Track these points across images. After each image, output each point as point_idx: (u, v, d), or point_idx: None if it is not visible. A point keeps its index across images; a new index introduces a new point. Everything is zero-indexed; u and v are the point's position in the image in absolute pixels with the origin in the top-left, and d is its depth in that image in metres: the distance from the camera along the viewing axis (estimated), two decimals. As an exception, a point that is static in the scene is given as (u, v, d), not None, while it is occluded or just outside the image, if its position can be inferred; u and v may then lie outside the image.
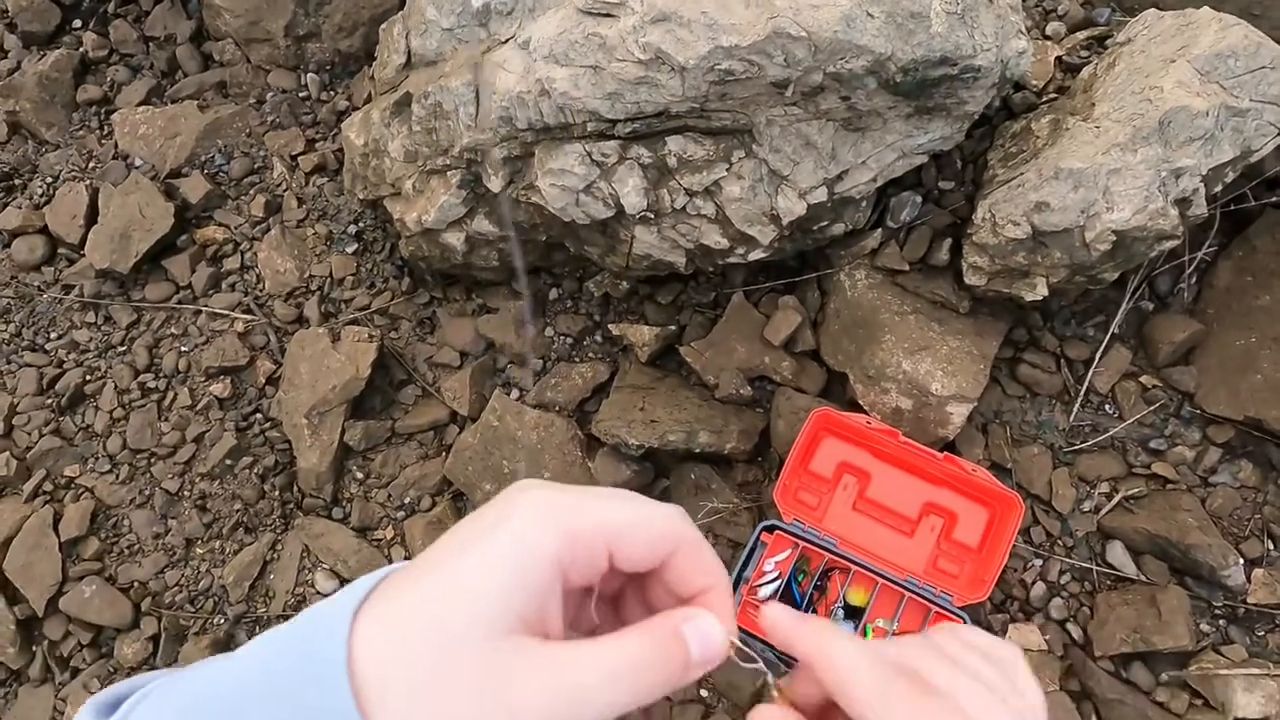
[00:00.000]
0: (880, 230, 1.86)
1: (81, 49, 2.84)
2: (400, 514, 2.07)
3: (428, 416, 2.15)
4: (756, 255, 1.83)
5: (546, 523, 0.35)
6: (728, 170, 1.69)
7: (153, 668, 1.99)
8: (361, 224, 2.45)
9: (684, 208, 1.75)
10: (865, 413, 1.78)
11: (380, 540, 2.05)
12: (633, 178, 1.73)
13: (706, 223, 1.77)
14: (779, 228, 1.76)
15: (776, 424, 1.87)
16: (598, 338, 2.17)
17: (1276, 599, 1.61)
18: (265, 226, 2.46)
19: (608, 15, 1.59)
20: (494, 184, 1.92)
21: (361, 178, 2.22)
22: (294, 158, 2.56)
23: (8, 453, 2.21)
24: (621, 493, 0.39)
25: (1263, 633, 1.65)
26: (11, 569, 2.04)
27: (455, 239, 2.09)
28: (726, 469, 1.92)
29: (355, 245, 2.42)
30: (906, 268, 1.83)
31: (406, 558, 2.00)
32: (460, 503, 2.06)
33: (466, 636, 0.32)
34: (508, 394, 2.12)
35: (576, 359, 2.15)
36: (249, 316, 2.35)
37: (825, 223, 1.80)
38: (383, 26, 2.20)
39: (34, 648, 2.04)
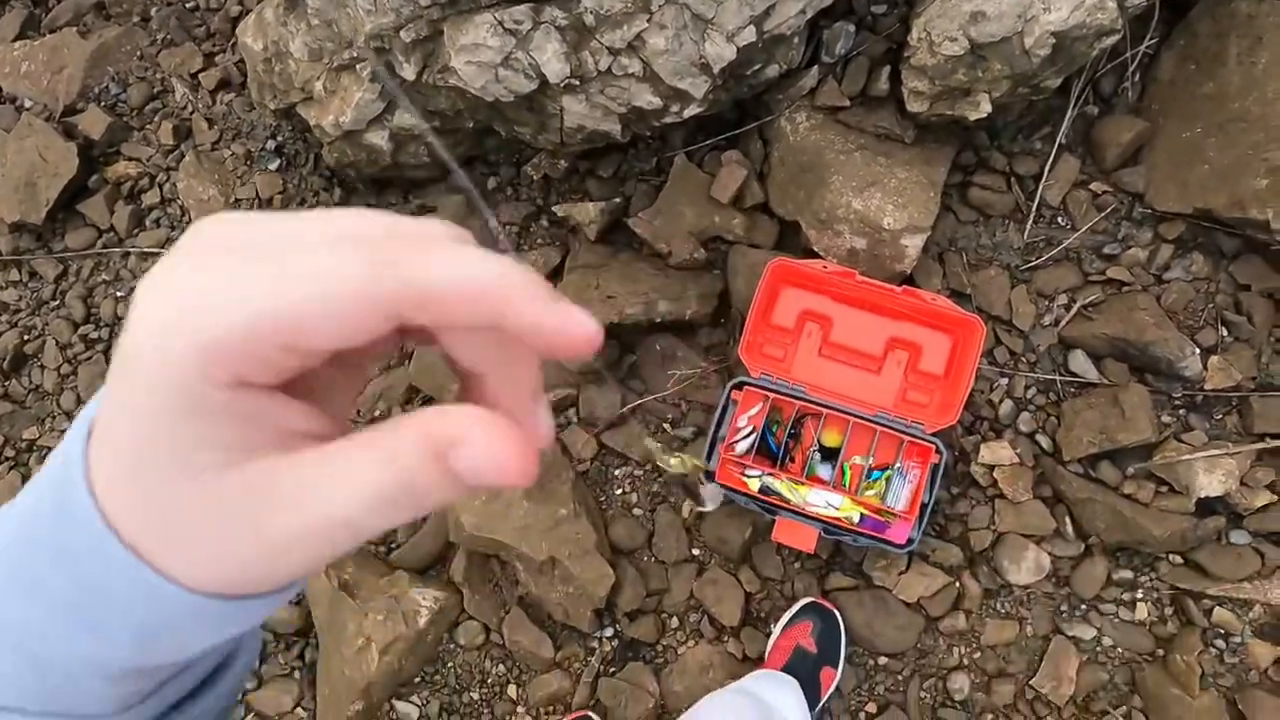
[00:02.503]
0: (816, 67, 1.79)
1: (-63, -14, 2.59)
2: (373, 427, 2.05)
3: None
4: (692, 110, 1.76)
5: (175, 350, 0.23)
6: (649, 21, 1.59)
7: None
8: (280, 138, 2.33)
9: (609, 69, 1.66)
10: (820, 258, 1.76)
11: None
12: (550, 43, 1.63)
13: (635, 82, 1.69)
14: (711, 77, 1.68)
15: (735, 283, 1.85)
16: (544, 222, 2.11)
17: (1232, 381, 1.66)
18: (179, 154, 2.33)
19: None
20: (407, 71, 1.81)
21: (269, 86, 2.09)
22: (194, 76, 2.39)
23: (-40, 424, 2.16)
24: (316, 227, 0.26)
25: (1220, 415, 1.70)
26: None
27: (379, 138, 1.99)
28: (690, 335, 1.91)
29: (278, 161, 2.31)
30: (847, 103, 1.77)
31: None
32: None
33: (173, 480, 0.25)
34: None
35: (525, 247, 2.09)
36: (180, 251, 2.25)
37: (758, 65, 1.72)
38: (259, -87, 2.02)
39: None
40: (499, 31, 1.62)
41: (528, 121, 1.88)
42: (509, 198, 2.13)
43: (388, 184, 2.22)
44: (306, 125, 2.12)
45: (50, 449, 2.13)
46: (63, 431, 2.14)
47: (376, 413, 2.07)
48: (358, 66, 1.87)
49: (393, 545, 1.95)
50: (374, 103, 1.91)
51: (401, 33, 1.73)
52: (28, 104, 2.45)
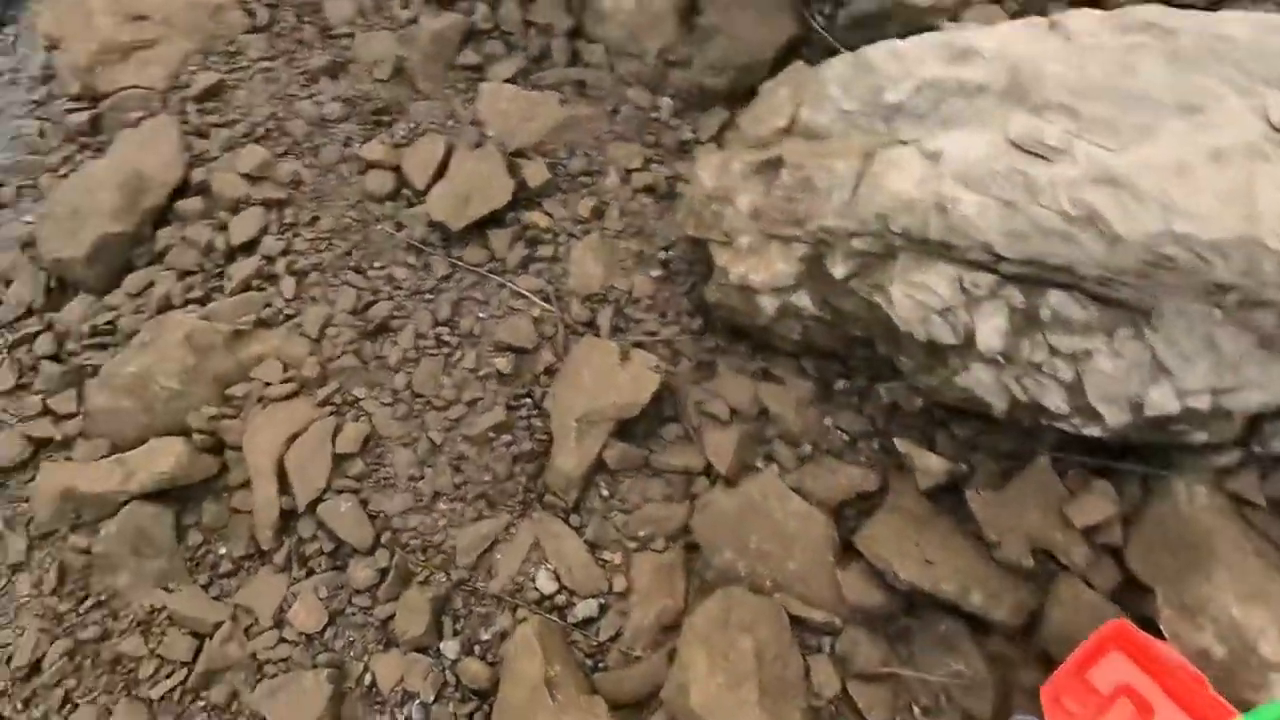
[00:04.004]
0: (1241, 451, 1.68)
1: (472, 18, 3.10)
2: (632, 544, 2.10)
3: (683, 460, 2.17)
4: (1092, 431, 1.70)
5: None
6: (1106, 344, 1.58)
7: (374, 598, 2.13)
8: (672, 253, 2.52)
9: (1040, 364, 1.65)
10: (1163, 638, 1.61)
11: (607, 562, 2.09)
12: (997, 318, 1.65)
13: (1056, 384, 1.67)
14: (1135, 416, 1.62)
15: (1052, 611, 1.73)
16: (875, 444, 2.11)
17: None
18: (586, 228, 2.58)
19: (1042, 158, 1.53)
20: (837, 270, 1.90)
21: (696, 215, 2.28)
22: (629, 171, 2.67)
23: (315, 357, 2.44)
24: None
25: None
26: (290, 463, 2.25)
27: (769, 303, 2.10)
28: (983, 634, 1.80)
29: (660, 271, 2.49)
30: (1262, 503, 1.64)
31: (626, 589, 2.03)
32: (693, 555, 2.06)
33: None
34: (767, 467, 2.10)
35: (847, 458, 2.10)
36: (546, 305, 2.47)
37: (1186, 427, 1.65)
38: (766, 84, 2.25)
39: (284, 538, 2.23)
40: (955, 286, 1.67)
41: (917, 357, 1.90)
42: (852, 406, 2.15)
43: (744, 336, 2.33)
44: (707, 259, 2.28)
45: (368, 415, 2.35)
46: (385, 404, 2.37)
47: (641, 533, 2.11)
48: (793, 245, 2.00)
49: (601, 664, 1.95)
50: (788, 277, 2.02)
51: (854, 239, 1.84)
52: (490, 133, 2.83)
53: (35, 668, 2.17)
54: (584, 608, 2.02)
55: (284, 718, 1.99)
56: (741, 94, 2.70)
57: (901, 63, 1.80)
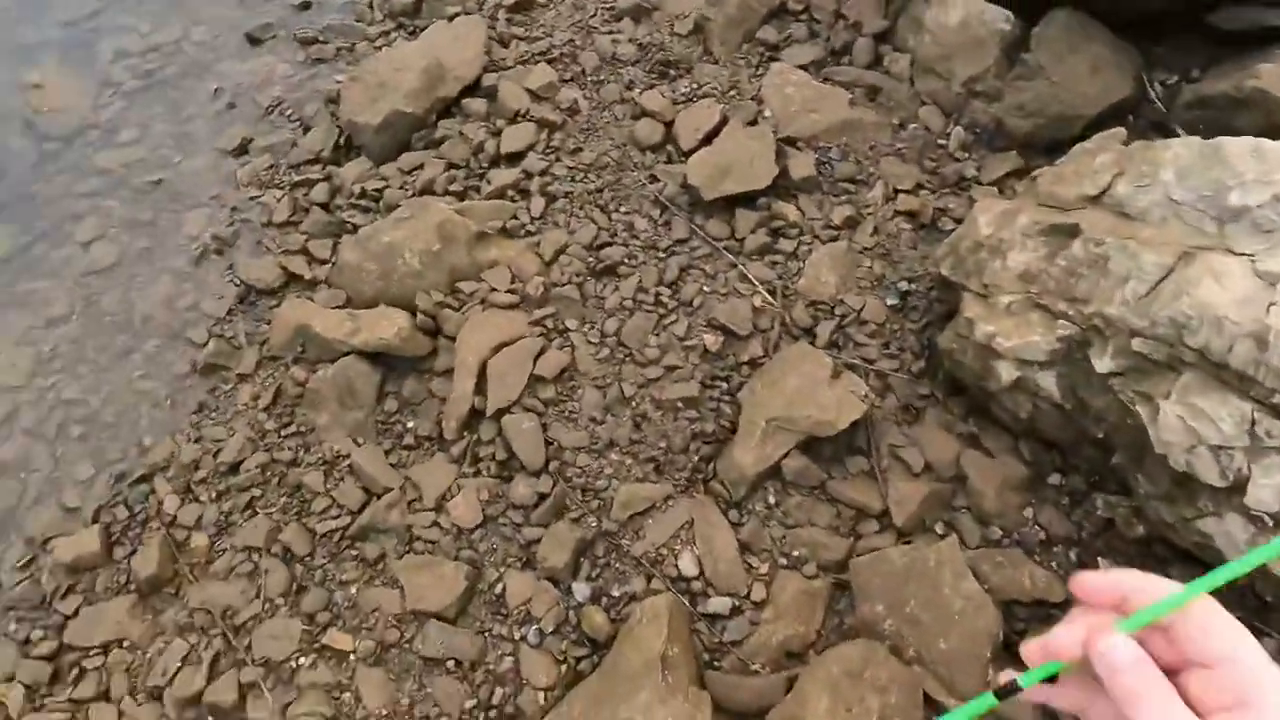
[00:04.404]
0: None
1: (785, -4, 3.05)
2: (783, 560, 2.05)
3: (860, 496, 2.08)
4: (1350, 637, 1.47)
5: None
6: None
7: (527, 518, 2.21)
8: (915, 286, 2.40)
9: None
10: None
11: (753, 568, 2.05)
12: (1281, 475, 1.45)
13: (1326, 571, 1.45)
14: None
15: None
16: (1073, 554, 1.93)
17: None
18: (835, 235, 2.51)
19: None
20: (1101, 364, 1.73)
21: (957, 257, 2.15)
22: (897, 191, 2.56)
23: (541, 278, 2.54)
24: None
25: None
26: (492, 368, 2.36)
27: (1008, 372, 1.95)
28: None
29: (896, 300, 2.38)
30: None
31: (763, 601, 1.99)
32: (840, 595, 1.99)
33: None
34: (946, 535, 1.98)
35: (1037, 558, 1.94)
36: (770, 299, 2.43)
37: None
38: (1084, 144, 2.07)
39: (466, 434, 2.36)
40: (1243, 426, 1.48)
41: (1161, 484, 1.71)
42: (1061, 506, 1.98)
43: (964, 394, 2.19)
44: (954, 306, 2.15)
45: (572, 347, 2.42)
46: (590, 343, 2.43)
47: (795, 553, 2.06)
48: (1059, 321, 1.84)
49: (717, 663, 1.93)
50: (1040, 352, 1.87)
51: (1135, 339, 1.66)
52: (767, 113, 2.79)
53: (234, 468, 2.43)
54: (717, 603, 2.00)
55: (419, 592, 2.12)
56: (1043, 144, 2.51)
57: (1263, 164, 1.59)
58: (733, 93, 2.92)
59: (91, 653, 2.18)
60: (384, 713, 2.01)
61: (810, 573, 2.02)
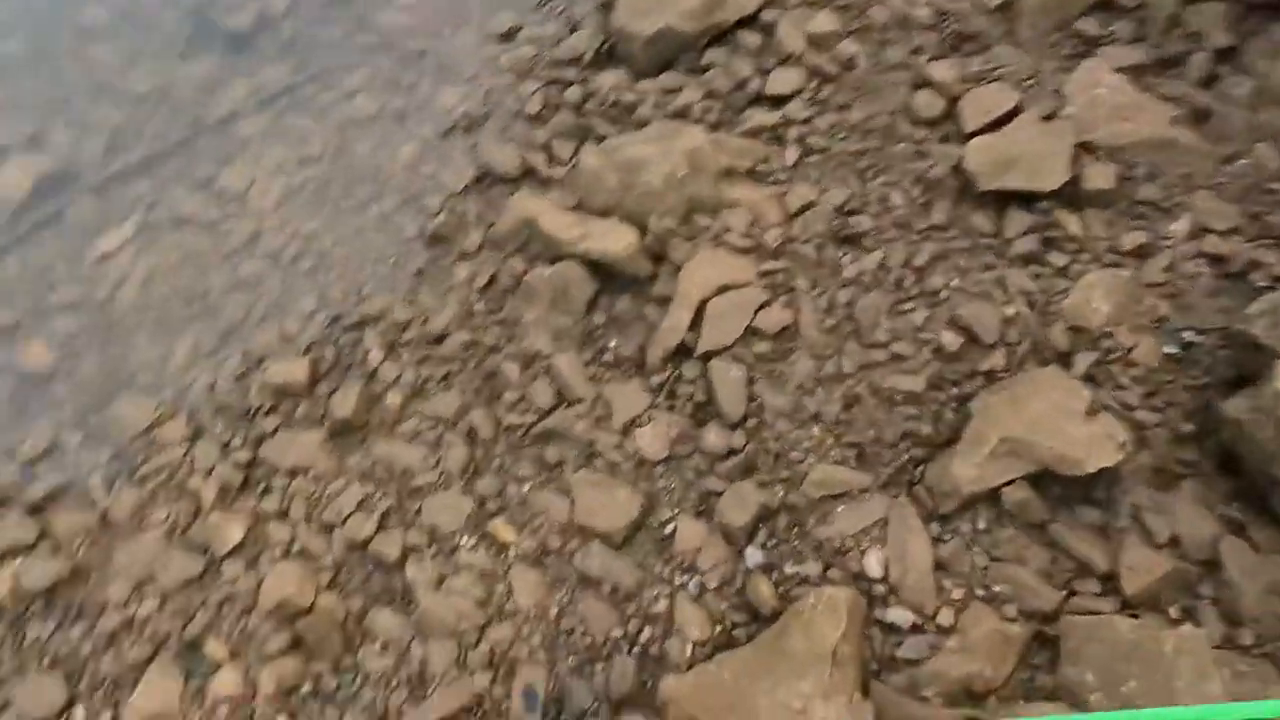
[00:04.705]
0: None
1: (1119, -9, 2.72)
2: (980, 593, 1.87)
3: (1085, 550, 1.86)
4: None
5: None
6: None
7: (712, 468, 2.12)
8: (1202, 339, 2.10)
9: None
10: None
11: (944, 589, 1.88)
12: None
13: None
14: None
15: None
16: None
17: None
18: (1118, 262, 2.23)
19: None
20: None
21: (1275, 319, 1.85)
22: (1205, 230, 2.24)
23: (781, 230, 2.41)
24: None
25: None
26: (711, 309, 2.27)
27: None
28: None
29: (1176, 350, 2.10)
30: None
31: (950, 628, 1.82)
32: (1040, 648, 1.79)
33: None
34: (1183, 621, 1.74)
35: (1289, 681, 1.66)
36: (1027, 311, 2.20)
37: None
38: None
39: (669, 366, 2.29)
40: None
41: None
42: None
43: (1238, 473, 1.90)
44: (1256, 372, 1.86)
45: (796, 309, 2.29)
46: (819, 310, 2.29)
47: (994, 588, 1.87)
48: None
49: (884, 676, 1.79)
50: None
51: None
52: (1069, 111, 2.50)
53: (439, 339, 2.47)
54: (897, 614, 1.86)
55: (590, 508, 2.09)
56: None
57: None
58: (1032, 82, 2.64)
59: (280, 473, 2.30)
60: (532, 613, 2.01)
61: (1010, 614, 1.83)
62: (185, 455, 2.37)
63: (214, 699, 1.96)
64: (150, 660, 2.03)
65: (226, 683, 1.98)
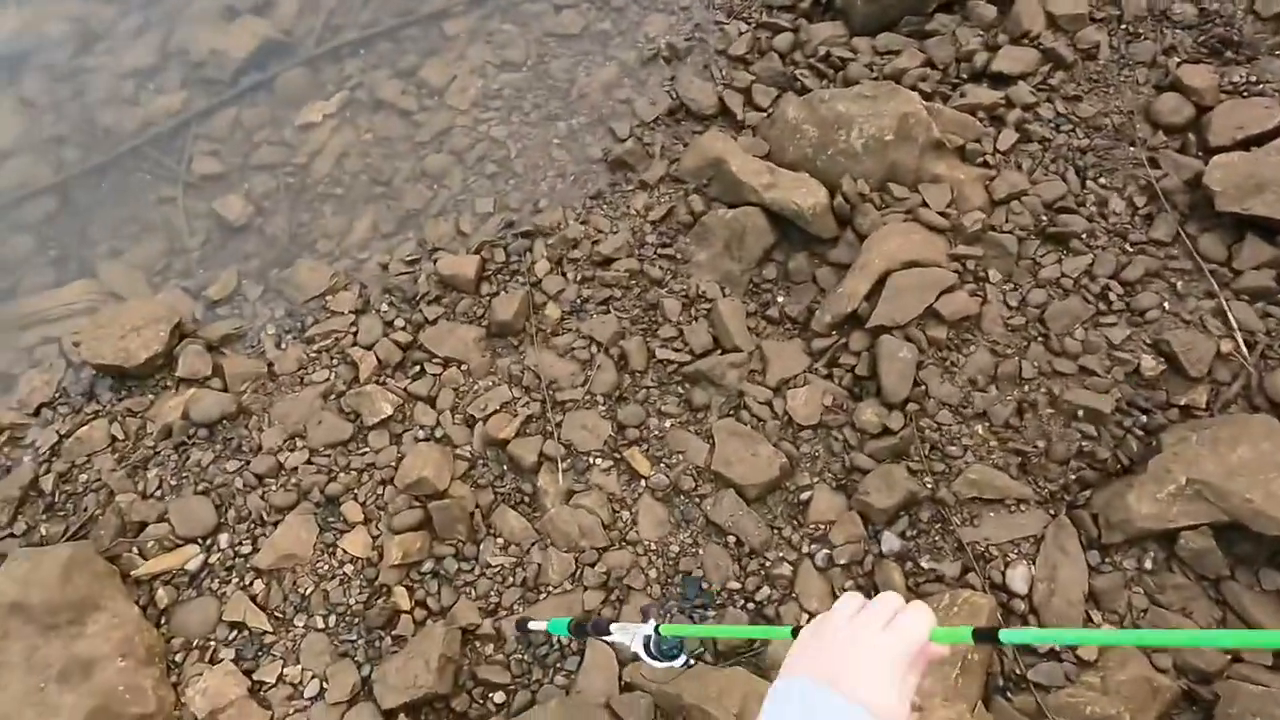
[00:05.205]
0: None
1: None
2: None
3: (1263, 617, 1.69)
4: None
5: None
6: None
7: (861, 442, 2.04)
8: None
9: None
10: None
11: (1092, 622, 1.76)
12: None
13: None
14: None
15: None
16: None
17: None
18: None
19: None
20: None
21: None
22: None
23: (983, 214, 2.26)
24: None
25: None
26: (892, 282, 2.16)
27: None
28: None
29: None
30: None
31: (1094, 663, 1.70)
32: (1190, 706, 1.65)
33: None
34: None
35: None
36: (1244, 350, 1.99)
37: None
38: None
39: (835, 334, 2.20)
40: None
41: None
42: None
43: None
44: None
45: (986, 300, 2.16)
46: (1009, 305, 2.15)
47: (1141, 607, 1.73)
48: None
49: (1007, 695, 1.69)
50: None
51: None
52: None
53: (606, 263, 2.46)
54: (1035, 635, 1.74)
55: (728, 458, 2.05)
56: None
57: None
58: (1292, 96, 2.36)
59: (434, 360, 2.36)
60: (652, 545, 2.00)
61: (1163, 665, 1.69)
62: (351, 325, 2.47)
63: (342, 555, 2.06)
64: (292, 508, 2.14)
65: (356, 543, 2.07)
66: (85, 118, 3.08)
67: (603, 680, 1.80)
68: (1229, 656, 1.68)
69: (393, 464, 2.17)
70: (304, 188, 2.85)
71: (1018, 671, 1.72)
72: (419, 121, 2.94)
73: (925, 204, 2.32)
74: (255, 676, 1.91)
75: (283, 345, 2.49)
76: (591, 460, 2.14)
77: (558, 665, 1.86)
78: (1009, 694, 1.70)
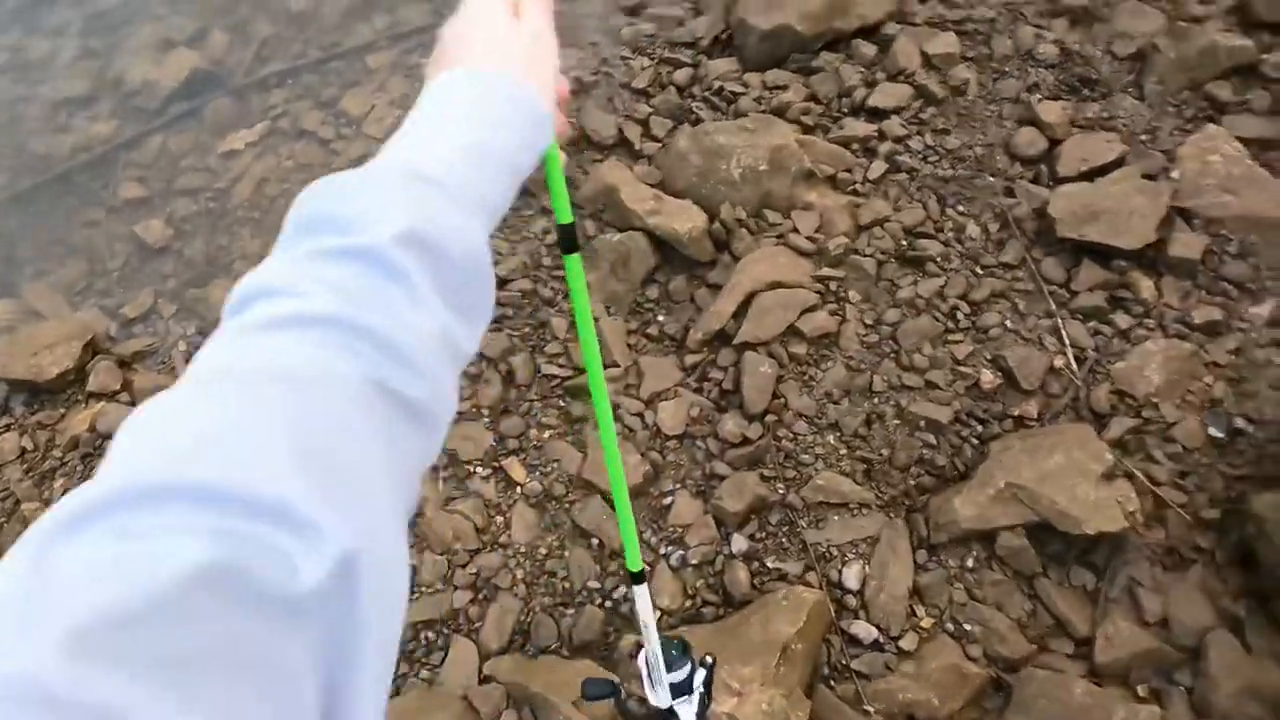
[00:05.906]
0: None
1: (1267, 58, 2.58)
2: (950, 627, 1.87)
3: (1067, 611, 1.83)
4: None
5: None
6: None
7: (722, 451, 2.18)
8: (1253, 430, 2.01)
9: None
10: None
11: (914, 615, 1.89)
12: None
13: None
14: None
15: None
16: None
17: None
18: (1184, 334, 2.15)
19: None
20: None
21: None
22: (1288, 320, 2.12)
23: (846, 240, 2.42)
24: None
25: None
26: (758, 304, 2.31)
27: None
28: None
29: (1222, 435, 2.02)
30: None
31: (912, 652, 1.83)
32: (994, 693, 1.78)
33: None
34: (1146, 702, 1.69)
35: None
36: (1074, 367, 2.15)
37: None
38: None
39: (705, 350, 2.35)
40: None
41: None
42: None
43: (1253, 568, 1.82)
44: None
45: (844, 319, 2.31)
46: (865, 323, 2.31)
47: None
48: None
49: (833, 683, 1.82)
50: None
51: None
52: (1174, 175, 2.41)
53: (502, 284, 2.60)
54: (862, 628, 1.88)
55: (598, 466, 2.18)
56: None
57: None
58: (1145, 137, 2.55)
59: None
60: (522, 549, 2.12)
61: (974, 654, 1.82)
62: (258, 342, 2.59)
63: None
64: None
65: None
66: (17, 144, 3.21)
67: (463, 675, 1.91)
68: (1035, 646, 1.81)
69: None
70: (224, 212, 2.99)
71: (843, 662, 1.85)
72: (336, 150, 3.08)
73: (795, 229, 2.48)
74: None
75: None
76: (471, 469, 2.26)
77: (423, 660, 1.98)
78: (832, 682, 1.83)
